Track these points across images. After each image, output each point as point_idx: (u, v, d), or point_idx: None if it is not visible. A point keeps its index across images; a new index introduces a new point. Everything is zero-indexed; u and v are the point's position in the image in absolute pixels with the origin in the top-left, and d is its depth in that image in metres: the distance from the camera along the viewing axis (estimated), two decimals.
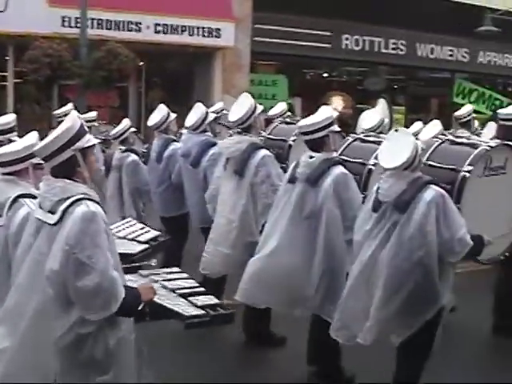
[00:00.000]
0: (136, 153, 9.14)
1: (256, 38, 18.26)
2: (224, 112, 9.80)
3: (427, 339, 5.36)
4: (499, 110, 8.24)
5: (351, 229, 5.69)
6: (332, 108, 7.98)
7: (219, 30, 17.09)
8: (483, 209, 5.93)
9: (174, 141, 8.83)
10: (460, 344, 7.26)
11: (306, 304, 5.96)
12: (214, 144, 7.83)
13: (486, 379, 6.71)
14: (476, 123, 13.55)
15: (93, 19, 15.69)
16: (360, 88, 22.72)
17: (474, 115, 13.05)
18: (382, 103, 13.55)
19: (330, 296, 5.85)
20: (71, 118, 4.00)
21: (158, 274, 4.58)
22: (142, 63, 16.84)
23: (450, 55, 23.26)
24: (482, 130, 12.97)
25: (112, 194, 9.06)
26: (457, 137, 6.63)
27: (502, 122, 7.67)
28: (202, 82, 18.29)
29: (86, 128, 4.06)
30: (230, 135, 7.22)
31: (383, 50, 21.74)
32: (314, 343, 6.26)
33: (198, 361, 6.82)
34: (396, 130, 5.49)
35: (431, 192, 5.13)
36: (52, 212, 3.87)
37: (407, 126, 11.27)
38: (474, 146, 6.18)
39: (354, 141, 7.15)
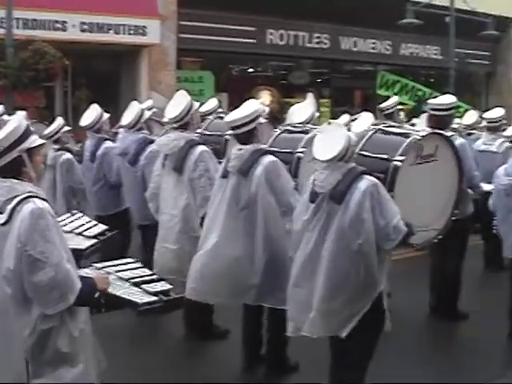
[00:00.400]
0: (70, 151, 9.15)
1: (181, 35, 18.31)
2: (154, 110, 9.90)
3: (374, 326, 5.51)
4: (429, 101, 8.58)
5: (287, 213, 5.88)
6: (259, 103, 8.18)
7: (145, 27, 17.11)
8: (416, 195, 6.13)
9: (107, 140, 8.89)
10: (397, 329, 7.50)
11: (252, 293, 6.07)
12: (151, 142, 7.91)
13: (423, 362, 7.01)
14: (402, 114, 13.94)
15: (18, 19, 15.56)
16: (285, 82, 22.95)
17: (400, 107, 13.42)
18: (310, 97, 13.76)
19: (275, 282, 5.97)
20: (17, 119, 4.07)
21: (113, 265, 4.63)
22: (67, 62, 16.74)
23: (373, 48, 23.71)
24: (408, 121, 13.37)
25: (45, 193, 9.03)
26: (388, 126, 6.84)
27: (432, 112, 7.99)
28: (128, 80, 18.27)
29: (31, 128, 4.13)
30: (166, 132, 7.32)
31: (307, 45, 22.01)
32: (252, 334, 6.45)
33: (138, 354, 6.93)
34: (329, 123, 5.67)
35: (365, 182, 5.27)
36: (0, 212, 3.95)
37: (333, 119, 11.56)
38: (405, 135, 6.38)
39: (281, 132, 7.32)
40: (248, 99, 6.76)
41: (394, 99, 12.59)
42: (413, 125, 11.24)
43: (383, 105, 11.93)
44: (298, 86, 22.13)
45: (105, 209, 8.73)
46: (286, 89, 21.73)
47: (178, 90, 7.44)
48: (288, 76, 23.26)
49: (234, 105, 16.19)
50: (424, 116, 11.12)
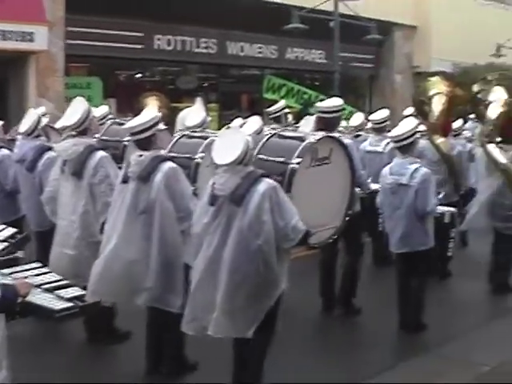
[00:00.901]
0: None
1: (69, 41, 18.13)
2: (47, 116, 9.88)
3: (270, 325, 5.75)
4: (318, 103, 8.88)
5: (185, 219, 6.05)
6: (148, 108, 8.35)
7: (32, 33, 16.79)
8: (313, 196, 6.40)
9: (2, 147, 8.83)
10: (291, 326, 7.75)
11: (146, 295, 6.20)
12: (49, 148, 7.92)
13: (317, 357, 7.26)
14: (290, 117, 14.23)
15: None
16: (172, 87, 22.99)
17: (287, 110, 13.72)
18: (199, 102, 13.94)
19: (168, 286, 6.14)
20: None
21: (22, 270, 4.63)
22: None
23: (260, 52, 23.96)
24: (295, 123, 13.68)
25: None
26: (284, 130, 7.11)
27: (320, 114, 8.30)
28: (16, 87, 17.93)
29: None
30: (65, 138, 7.37)
31: (195, 50, 22.08)
32: (155, 335, 6.57)
33: (40, 359, 6.95)
34: (228, 128, 5.89)
35: (264, 184, 5.49)
36: None
37: (222, 123, 11.77)
38: (300, 138, 6.64)
39: (181, 137, 7.48)
40: (137, 105, 6.89)
41: (281, 103, 12.91)
42: (298, 127, 11.55)
43: (271, 108, 12.20)
44: (185, 91, 22.20)
45: (2, 216, 8.64)
46: (173, 94, 21.65)
47: (66, 97, 7.54)
48: (176, 81, 23.30)
49: (122, 110, 16.26)
50: (308, 118, 11.51)
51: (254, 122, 8.48)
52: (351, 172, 7.11)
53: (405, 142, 7.81)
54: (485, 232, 9.99)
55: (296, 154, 6.32)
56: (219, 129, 9.44)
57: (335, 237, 7.04)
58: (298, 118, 15.81)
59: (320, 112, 8.31)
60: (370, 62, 28.60)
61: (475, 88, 10.60)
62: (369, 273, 10.51)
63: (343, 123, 10.84)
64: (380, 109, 11.79)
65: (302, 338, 7.80)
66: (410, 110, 12.87)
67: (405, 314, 7.99)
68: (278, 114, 11.97)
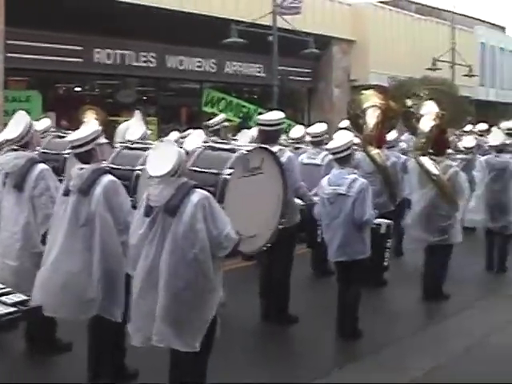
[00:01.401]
0: None
1: (9, 54, 18.03)
2: None
3: (209, 334, 5.81)
4: (259, 117, 9.01)
5: (124, 231, 6.10)
6: (87, 121, 8.38)
7: None
8: (245, 206, 6.51)
9: None
10: (231, 336, 7.83)
11: (90, 307, 6.24)
12: None
13: (256, 366, 7.38)
14: (228, 130, 14.36)
15: None
16: (111, 101, 22.95)
17: (226, 123, 13.85)
18: (137, 115, 14.00)
19: (110, 296, 6.20)
20: None
21: None
22: None
23: (199, 66, 24.15)
24: (232, 136, 13.80)
25: None
26: (217, 143, 7.21)
27: (261, 128, 8.44)
28: None
29: None
30: (6, 152, 7.36)
31: (134, 63, 22.17)
32: (97, 344, 6.61)
33: None
34: (161, 141, 5.99)
35: (197, 195, 5.60)
36: None
37: (160, 136, 11.84)
38: (232, 150, 6.76)
39: (122, 149, 7.55)
40: (76, 118, 6.93)
41: (221, 116, 13.03)
42: (235, 140, 11.67)
43: (210, 122, 12.31)
44: (124, 105, 22.22)
45: None
46: (112, 107, 21.65)
47: (5, 111, 7.55)
48: (115, 94, 23.29)
49: (61, 124, 16.18)
50: (244, 132, 11.64)
51: (197, 135, 8.57)
52: (283, 181, 7.26)
53: (342, 154, 8.01)
54: (420, 243, 10.19)
55: (228, 165, 6.44)
56: None
57: (269, 245, 7.13)
58: (237, 131, 15.96)
59: (261, 125, 8.47)
60: (308, 76, 28.98)
61: (408, 102, 10.81)
62: (308, 282, 10.71)
63: (283, 136, 11.01)
64: (318, 122, 11.99)
65: (240, 347, 7.88)
66: (346, 122, 13.11)
67: (342, 322, 8.15)
68: (217, 127, 12.08)
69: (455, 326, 8.97)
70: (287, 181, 7.41)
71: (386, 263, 8.75)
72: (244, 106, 24.67)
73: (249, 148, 6.85)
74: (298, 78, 27.46)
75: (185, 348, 5.68)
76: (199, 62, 24.07)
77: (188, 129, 14.52)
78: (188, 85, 25.61)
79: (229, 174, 6.38)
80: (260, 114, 23.63)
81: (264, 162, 6.91)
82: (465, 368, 7.28)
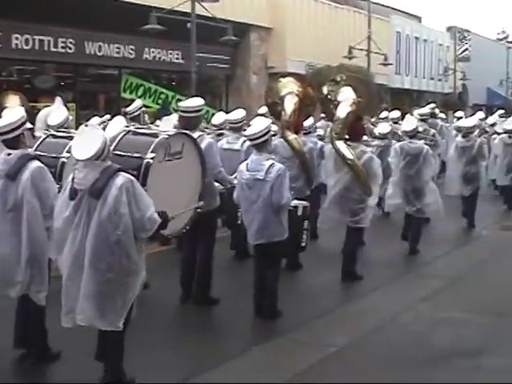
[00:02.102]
0: None
1: None
2: None
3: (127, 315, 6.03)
4: (180, 103, 9.17)
5: (49, 217, 6.23)
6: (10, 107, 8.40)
7: None
8: (167, 189, 6.73)
9: None
10: (151, 314, 8.06)
11: (17, 288, 6.41)
12: None
13: (177, 347, 7.60)
14: (147, 116, 14.47)
15: None
16: (29, 86, 22.68)
17: (145, 109, 13.95)
18: (58, 101, 13.99)
19: (35, 279, 6.39)
20: None
21: None
22: None
23: (118, 52, 24.01)
24: (152, 122, 13.93)
25: None
26: (138, 128, 7.39)
27: (182, 114, 8.62)
28: None
29: None
30: None
31: (53, 49, 21.91)
32: (22, 325, 6.74)
33: None
34: (86, 125, 6.13)
35: (121, 178, 5.79)
36: None
37: (79, 123, 11.85)
38: (154, 135, 6.95)
39: (47, 137, 7.65)
40: None
41: (138, 102, 13.11)
42: (157, 126, 11.81)
43: (128, 108, 12.40)
44: (42, 90, 22.02)
45: None
46: (30, 93, 21.46)
47: None
48: (33, 80, 23.02)
49: None
50: (167, 118, 11.78)
51: (118, 121, 8.69)
52: (202, 166, 7.49)
53: (260, 140, 8.23)
54: (335, 225, 10.54)
55: (150, 150, 6.63)
56: (76, 128, 9.56)
57: (188, 227, 7.34)
58: (156, 117, 16.05)
59: (182, 111, 8.64)
60: (227, 63, 29.11)
61: (325, 89, 11.06)
62: (228, 263, 10.96)
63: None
64: (236, 108, 12.20)
65: (161, 327, 8.10)
66: (264, 109, 13.36)
67: (261, 302, 8.41)
68: (136, 113, 12.18)
69: (368, 305, 9.30)
70: (206, 165, 7.65)
71: (303, 244, 9.01)
72: (162, 93, 24.68)
73: (170, 133, 7.06)
74: (217, 65, 27.58)
75: (108, 327, 5.89)
76: (118, 48, 23.94)
77: (106, 114, 14.56)
78: (107, 71, 25.44)
79: (151, 158, 6.57)
80: (178, 100, 23.81)
81: (184, 147, 7.14)
82: (376, 345, 7.61)
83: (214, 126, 11.93)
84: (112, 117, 10.98)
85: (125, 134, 7.01)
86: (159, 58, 25.74)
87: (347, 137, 10.20)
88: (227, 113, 12.77)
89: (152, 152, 6.62)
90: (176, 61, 26.27)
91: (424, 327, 8.25)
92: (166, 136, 6.88)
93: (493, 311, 8.87)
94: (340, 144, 10.05)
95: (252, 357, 7.34)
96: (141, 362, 6.62)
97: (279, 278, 8.50)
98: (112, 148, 6.47)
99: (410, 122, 12.80)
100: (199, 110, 8.69)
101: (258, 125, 8.43)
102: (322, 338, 7.89)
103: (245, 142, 10.65)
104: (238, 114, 11.50)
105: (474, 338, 7.87)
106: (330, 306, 9.09)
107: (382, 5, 40.30)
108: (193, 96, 10.62)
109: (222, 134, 11.40)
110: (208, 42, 23.59)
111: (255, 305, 8.46)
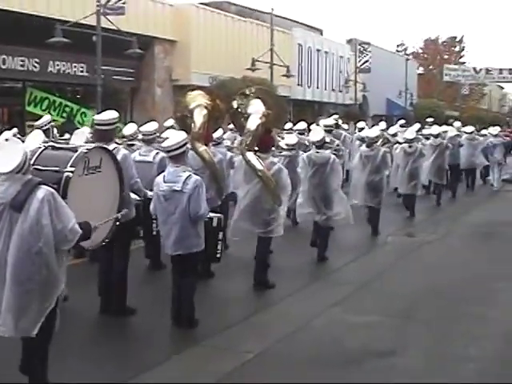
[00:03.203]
0: None
1: None
2: None
3: (49, 326, 6.12)
4: (95, 116, 9.26)
5: None
6: None
7: None
8: (86, 202, 6.81)
9: None
10: (74, 328, 8.14)
11: None
12: None
13: (95, 358, 7.66)
14: (55, 130, 14.44)
15: None
16: None
17: (53, 123, 13.94)
18: None
19: None
20: None
21: None
22: None
23: (22, 65, 23.78)
24: (61, 135, 13.91)
25: None
26: (57, 143, 7.46)
27: (97, 127, 8.71)
28: None
29: None
30: None
31: None
32: None
33: None
34: (6, 140, 6.21)
35: (42, 191, 5.87)
36: None
37: None
38: (73, 149, 7.04)
39: None
40: None
41: (48, 117, 13.12)
42: (66, 140, 11.80)
43: (38, 122, 12.40)
44: None
45: None
46: None
47: None
48: None
49: None
50: (79, 132, 11.83)
51: (36, 135, 8.72)
52: (120, 180, 7.61)
53: (177, 152, 8.39)
54: (246, 236, 10.75)
55: (69, 164, 6.72)
56: None
57: (107, 240, 7.45)
58: (62, 131, 15.99)
59: (97, 125, 8.74)
60: (132, 76, 29.17)
61: (235, 103, 11.24)
62: (143, 274, 11.05)
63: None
64: (143, 121, 12.32)
65: (81, 339, 8.21)
66: (171, 121, 13.51)
67: (178, 312, 8.56)
68: (46, 127, 12.19)
69: (281, 311, 9.55)
70: (124, 179, 7.78)
71: (218, 255, 9.19)
72: (67, 106, 24.56)
73: (88, 147, 7.17)
74: (122, 78, 27.57)
75: (21, 333, 5.99)
76: (22, 61, 23.70)
77: (11, 128, 14.50)
78: (11, 84, 25.19)
79: (71, 172, 6.67)
80: (83, 113, 23.76)
81: (103, 162, 7.25)
82: (291, 349, 7.87)
83: (125, 137, 12.00)
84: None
85: (44, 149, 7.06)
86: (64, 70, 25.60)
87: (257, 148, 10.43)
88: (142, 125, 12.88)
89: (71, 166, 6.71)
90: (81, 74, 26.16)
91: (336, 331, 8.57)
92: (85, 150, 6.98)
93: (400, 314, 9.27)
94: (250, 155, 10.27)
95: (172, 365, 7.48)
96: (60, 373, 6.66)
97: (196, 288, 8.66)
98: (32, 162, 6.54)
99: (318, 133, 13.13)
100: (114, 123, 8.80)
101: (175, 137, 8.58)
102: (238, 345, 8.08)
103: (157, 154, 10.82)
104: (151, 126, 11.64)
105: (384, 340, 8.22)
106: (245, 313, 9.30)
107: (285, 18, 40.90)
108: (104, 109, 10.68)
109: (132, 145, 11.47)
110: (113, 54, 23.64)
111: (173, 314, 8.59)
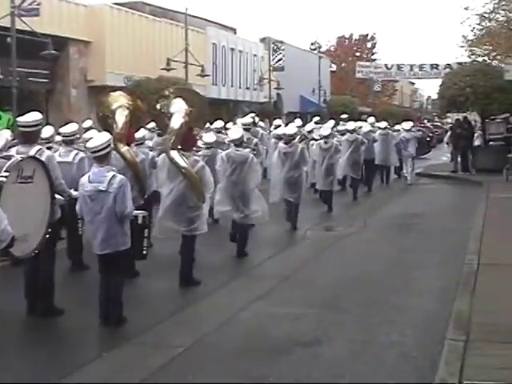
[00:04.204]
0: None
1: None
2: None
3: None
4: (18, 118, 9.29)
5: None
6: None
7: None
8: (18, 210, 6.88)
9: None
10: (2, 330, 8.24)
11: None
12: None
13: (26, 356, 7.75)
14: None
15: None
16: None
17: None
18: None
19: None
20: None
21: None
22: None
23: None
24: None
25: None
26: None
27: (21, 129, 8.75)
28: None
29: None
30: None
31: None
32: None
33: None
34: None
35: None
36: None
37: None
38: (8, 157, 7.16)
39: None
40: None
41: None
42: None
43: None
44: None
45: None
46: None
47: None
48: None
49: None
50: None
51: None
52: (51, 191, 7.70)
53: (101, 152, 8.51)
54: (170, 233, 10.90)
55: (3, 169, 6.80)
56: None
57: (37, 251, 7.53)
58: None
59: (21, 126, 8.78)
60: (47, 77, 28.90)
61: (158, 105, 11.35)
62: (68, 275, 11.10)
63: None
64: (70, 123, 12.34)
65: (9, 340, 8.26)
66: (89, 122, 13.54)
67: (106, 310, 8.67)
68: None
69: (208, 306, 9.75)
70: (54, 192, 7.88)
71: (144, 252, 9.32)
72: None
73: (23, 156, 7.28)
74: (37, 80, 27.30)
75: None
76: None
77: None
78: None
79: (5, 177, 6.74)
80: None
81: (36, 173, 7.34)
82: (219, 342, 8.09)
83: (43, 139, 11.95)
84: None
85: None
86: None
87: (180, 147, 10.59)
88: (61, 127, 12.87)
89: (6, 171, 6.79)
90: None
91: (263, 322, 8.83)
92: (20, 159, 7.08)
93: (321, 305, 9.56)
94: (174, 154, 10.43)
95: (102, 364, 7.58)
96: None
97: (123, 286, 8.78)
98: None
99: (236, 132, 13.36)
100: (38, 124, 8.87)
101: (100, 138, 8.69)
102: (167, 341, 8.25)
103: (77, 154, 10.88)
104: (71, 127, 11.69)
105: (308, 330, 8.50)
106: (173, 309, 9.47)
107: (199, 17, 40.98)
108: (20, 112, 10.69)
109: (50, 148, 11.46)
110: (28, 56, 23.40)
111: (101, 313, 8.69)
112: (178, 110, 10.80)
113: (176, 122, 10.67)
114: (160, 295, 10.35)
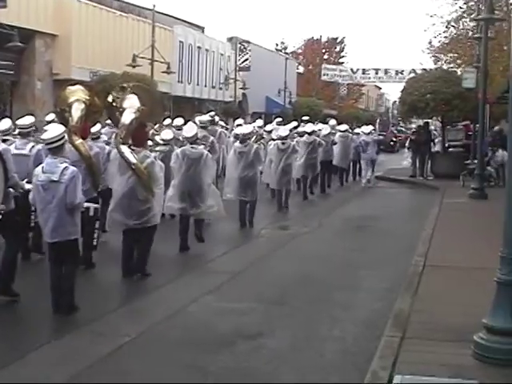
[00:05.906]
0: None
1: None
2: None
3: None
4: None
5: None
6: None
7: None
8: None
9: None
10: None
11: None
12: None
13: None
14: None
15: None
16: None
17: None
18: None
19: None
20: None
21: None
22: None
23: None
24: None
25: None
26: None
27: None
28: None
29: None
30: None
31: None
32: None
33: None
34: None
35: None
36: None
37: None
38: None
39: None
40: None
41: None
42: None
43: None
44: None
45: None
46: None
47: None
48: None
49: None
50: None
51: None
52: (4, 173, 7.87)
53: (55, 144, 8.73)
54: (120, 225, 11.08)
55: None
56: None
57: None
58: None
59: None
60: (12, 69, 28.80)
61: (110, 97, 11.50)
62: (26, 262, 11.21)
63: None
64: (23, 114, 12.43)
65: None
66: (52, 115, 13.64)
67: (57, 298, 8.86)
68: None
69: (157, 298, 9.97)
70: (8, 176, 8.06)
71: (95, 243, 9.51)
72: None
73: None
74: (2, 71, 27.26)
75: None
76: None
77: None
78: None
79: None
80: None
81: None
82: (166, 333, 8.35)
83: (0, 131, 12.04)
84: None
85: None
86: None
87: (131, 142, 10.80)
88: (11, 119, 12.95)
89: None
90: None
91: (210, 316, 9.06)
92: None
93: (272, 300, 9.83)
94: (124, 148, 10.63)
95: (51, 349, 7.76)
96: None
97: (75, 275, 8.99)
98: None
99: (191, 129, 13.58)
100: None
101: (54, 130, 8.89)
102: (117, 329, 8.46)
103: (33, 147, 11.01)
104: (27, 119, 11.80)
105: (253, 324, 8.76)
106: (123, 300, 9.77)
107: (166, 14, 41.00)
108: None
109: (6, 140, 11.55)
110: None
111: (53, 301, 8.87)
112: (130, 105, 10.99)
113: (127, 117, 10.89)
114: (112, 285, 10.59)
